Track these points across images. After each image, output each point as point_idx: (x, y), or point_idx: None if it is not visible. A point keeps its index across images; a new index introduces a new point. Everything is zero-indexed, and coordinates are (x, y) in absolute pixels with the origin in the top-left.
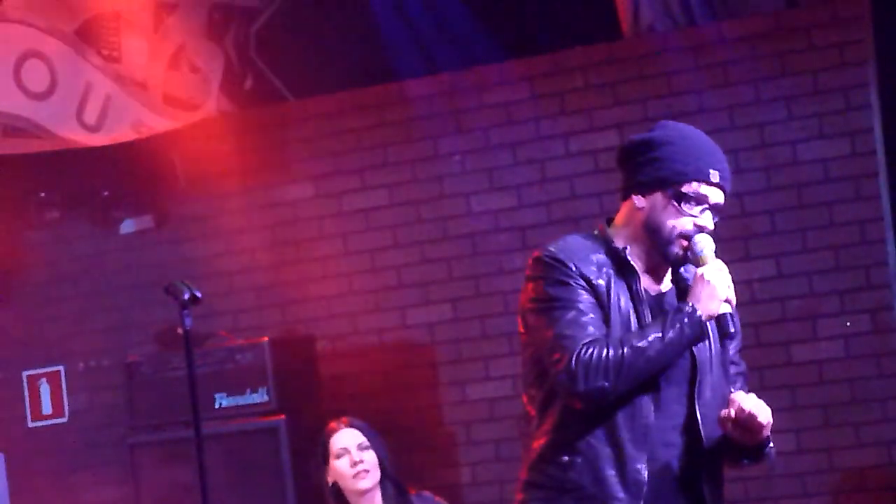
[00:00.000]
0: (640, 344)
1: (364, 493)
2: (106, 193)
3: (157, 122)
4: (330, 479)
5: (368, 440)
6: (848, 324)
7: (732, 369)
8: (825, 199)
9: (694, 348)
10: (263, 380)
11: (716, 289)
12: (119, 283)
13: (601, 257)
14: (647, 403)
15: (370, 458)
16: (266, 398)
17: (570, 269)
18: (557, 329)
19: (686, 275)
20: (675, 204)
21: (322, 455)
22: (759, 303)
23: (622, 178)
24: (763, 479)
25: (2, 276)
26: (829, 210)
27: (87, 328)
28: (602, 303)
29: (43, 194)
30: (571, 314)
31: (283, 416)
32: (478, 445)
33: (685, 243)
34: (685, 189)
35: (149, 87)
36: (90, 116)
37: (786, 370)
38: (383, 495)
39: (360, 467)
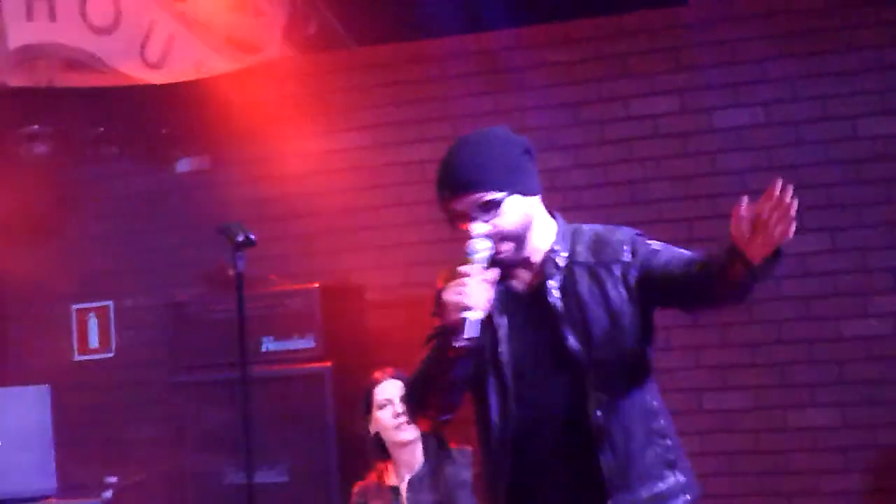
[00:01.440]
0: (422, 370)
1: (405, 444)
2: (164, 132)
3: (219, 64)
4: (372, 429)
5: None
6: None
7: (640, 264)
8: (883, 176)
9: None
10: (311, 326)
11: (448, 303)
12: (172, 222)
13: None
14: (504, 411)
15: None
16: (313, 344)
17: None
18: None
19: (559, 258)
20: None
21: (365, 405)
22: (810, 276)
23: None
24: (807, 451)
25: (57, 208)
26: (887, 187)
27: (137, 265)
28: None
29: (102, 129)
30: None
31: (329, 363)
32: None
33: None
34: (447, 219)
35: (212, 28)
36: (153, 54)
37: (834, 345)
38: (424, 448)
39: (402, 419)
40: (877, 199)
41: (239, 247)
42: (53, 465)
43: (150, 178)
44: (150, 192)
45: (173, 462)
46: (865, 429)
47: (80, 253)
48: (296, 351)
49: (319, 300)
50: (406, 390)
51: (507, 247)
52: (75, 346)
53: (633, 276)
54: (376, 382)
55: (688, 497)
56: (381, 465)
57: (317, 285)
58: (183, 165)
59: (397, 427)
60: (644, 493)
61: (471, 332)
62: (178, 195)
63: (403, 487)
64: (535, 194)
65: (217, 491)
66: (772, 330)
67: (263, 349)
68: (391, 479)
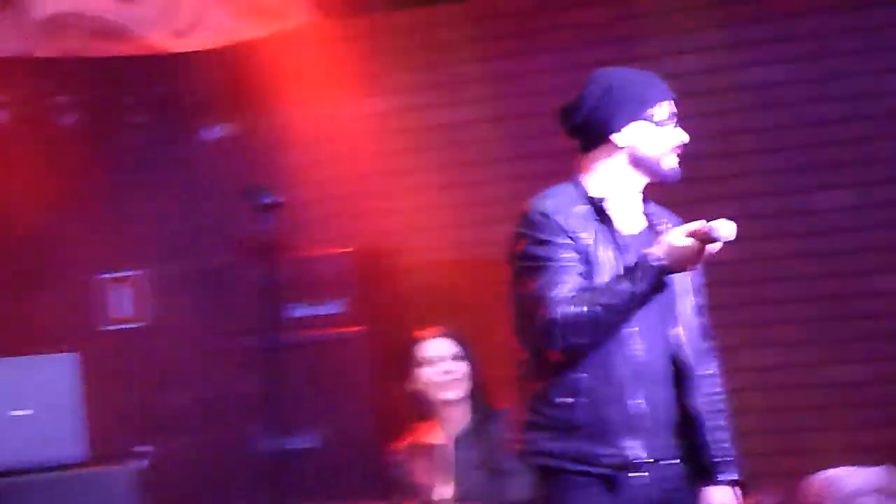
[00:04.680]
0: (612, 301)
1: (450, 403)
2: (193, 99)
3: (247, 30)
4: (415, 388)
5: (462, 351)
6: None
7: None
8: None
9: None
10: (344, 290)
11: (692, 253)
12: (202, 189)
13: (584, 209)
14: (635, 341)
15: (462, 368)
16: (346, 309)
17: (554, 226)
18: (539, 289)
19: (650, 211)
20: (655, 124)
21: (411, 362)
22: None
23: (582, 134)
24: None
25: (85, 177)
26: None
27: (168, 233)
28: (589, 256)
29: (130, 98)
30: (551, 273)
31: (362, 328)
32: None
33: (678, 153)
34: (657, 109)
35: None
36: (181, 22)
37: None
38: (472, 408)
39: (450, 377)
40: None
41: (264, 209)
42: (83, 433)
43: (180, 145)
44: (180, 160)
45: (207, 430)
46: None
47: (108, 221)
48: (329, 316)
49: (352, 265)
50: (568, 322)
51: None
52: (106, 315)
53: None
54: (421, 340)
55: None
56: (420, 425)
57: (349, 250)
58: (212, 133)
59: (445, 385)
60: None
61: None
62: (208, 162)
63: (450, 445)
64: None
65: (251, 458)
66: None
67: (296, 315)
68: (435, 438)
